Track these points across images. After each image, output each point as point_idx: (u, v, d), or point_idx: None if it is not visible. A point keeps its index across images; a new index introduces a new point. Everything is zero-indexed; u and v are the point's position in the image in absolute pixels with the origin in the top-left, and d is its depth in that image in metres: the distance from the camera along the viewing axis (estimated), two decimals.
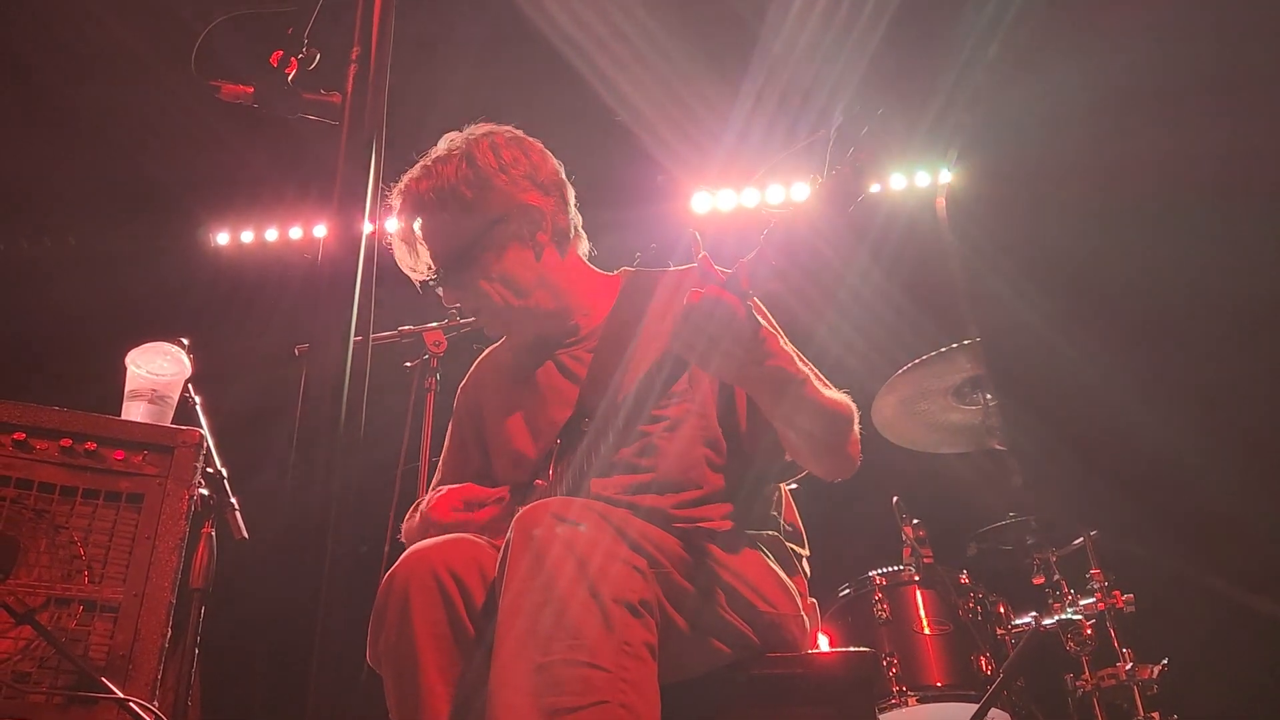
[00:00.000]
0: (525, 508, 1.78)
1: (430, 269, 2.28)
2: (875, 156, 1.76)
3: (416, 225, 2.26)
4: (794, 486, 2.33)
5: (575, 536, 1.69)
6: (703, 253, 1.87)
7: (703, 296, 1.79)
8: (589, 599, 1.63)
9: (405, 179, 2.29)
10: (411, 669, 1.79)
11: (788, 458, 2.14)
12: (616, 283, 2.39)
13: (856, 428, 2.07)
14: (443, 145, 2.30)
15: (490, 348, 2.56)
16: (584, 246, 2.39)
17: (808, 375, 1.93)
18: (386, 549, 2.95)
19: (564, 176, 2.35)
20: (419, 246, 2.27)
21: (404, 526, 2.40)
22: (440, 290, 2.32)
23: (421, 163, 2.29)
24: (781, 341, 1.95)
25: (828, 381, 2.07)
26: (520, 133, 2.34)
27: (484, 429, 2.41)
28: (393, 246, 2.31)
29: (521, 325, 2.34)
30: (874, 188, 1.77)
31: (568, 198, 2.34)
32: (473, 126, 2.32)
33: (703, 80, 4.85)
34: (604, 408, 2.09)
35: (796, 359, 1.94)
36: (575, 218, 2.36)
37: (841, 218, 1.77)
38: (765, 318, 2.16)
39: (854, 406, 2.07)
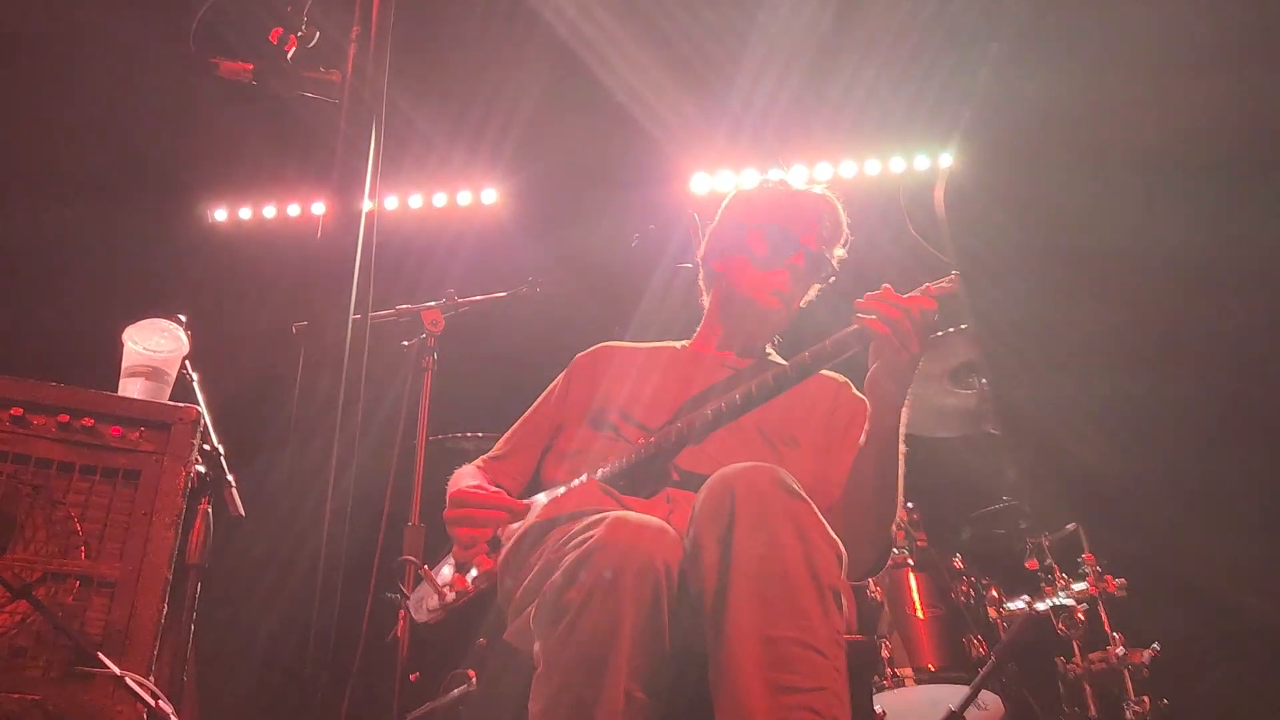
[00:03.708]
0: (740, 468, 1.71)
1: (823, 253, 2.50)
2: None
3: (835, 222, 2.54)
4: None
5: (799, 511, 1.66)
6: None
7: (919, 307, 1.97)
8: (810, 581, 1.61)
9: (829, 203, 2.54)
10: (600, 666, 1.61)
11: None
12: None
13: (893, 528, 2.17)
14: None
15: (617, 343, 2.61)
16: None
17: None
18: (383, 528, 2.95)
19: None
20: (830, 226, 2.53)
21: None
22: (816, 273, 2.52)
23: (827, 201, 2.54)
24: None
25: None
26: None
27: (597, 386, 2.43)
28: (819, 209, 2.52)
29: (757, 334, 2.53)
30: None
31: None
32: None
33: (701, 61, 4.83)
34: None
35: None
36: None
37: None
38: None
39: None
